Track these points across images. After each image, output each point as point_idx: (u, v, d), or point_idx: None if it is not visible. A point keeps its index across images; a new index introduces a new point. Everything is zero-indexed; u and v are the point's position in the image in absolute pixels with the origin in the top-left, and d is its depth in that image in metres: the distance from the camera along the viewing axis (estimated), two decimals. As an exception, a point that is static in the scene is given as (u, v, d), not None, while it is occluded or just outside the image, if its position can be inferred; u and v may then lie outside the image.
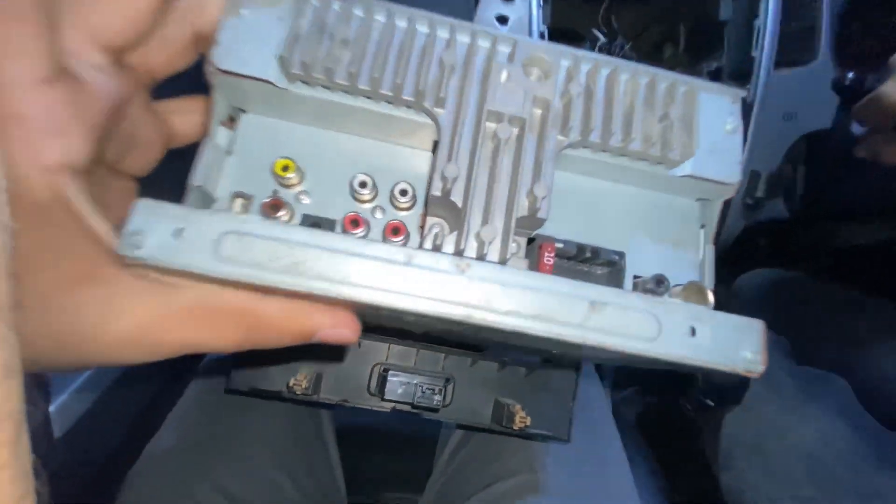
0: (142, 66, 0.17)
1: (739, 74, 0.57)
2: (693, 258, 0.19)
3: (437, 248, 0.15)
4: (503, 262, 0.15)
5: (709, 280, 0.18)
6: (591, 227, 0.18)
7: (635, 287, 0.18)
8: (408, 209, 0.17)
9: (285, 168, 0.16)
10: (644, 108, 0.17)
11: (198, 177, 0.16)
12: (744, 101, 0.55)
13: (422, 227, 0.17)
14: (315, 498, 0.40)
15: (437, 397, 0.34)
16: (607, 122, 0.17)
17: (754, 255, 0.75)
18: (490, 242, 0.15)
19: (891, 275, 0.61)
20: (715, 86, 0.19)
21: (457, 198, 0.15)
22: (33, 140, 0.12)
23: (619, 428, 0.45)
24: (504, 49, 0.17)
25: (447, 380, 0.35)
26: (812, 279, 0.66)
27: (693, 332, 0.15)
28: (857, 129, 0.57)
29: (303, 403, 0.35)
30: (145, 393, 0.62)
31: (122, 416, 0.58)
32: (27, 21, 0.12)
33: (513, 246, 0.16)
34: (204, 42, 0.17)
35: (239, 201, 0.16)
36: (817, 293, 0.64)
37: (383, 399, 0.34)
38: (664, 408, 0.69)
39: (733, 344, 0.15)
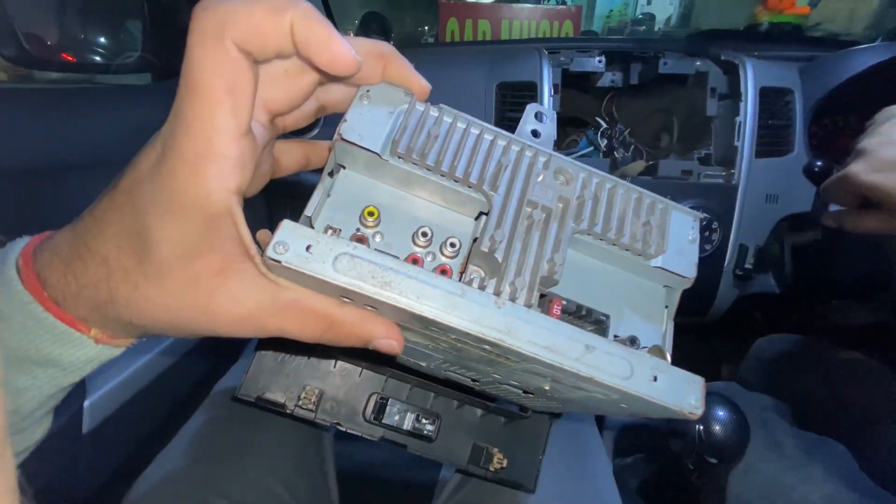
0: (279, 123, 0.23)
1: (725, 161, 0.65)
2: (658, 329, 0.25)
3: (481, 288, 0.20)
4: (528, 306, 0.20)
5: (668, 346, 0.24)
6: (587, 293, 0.24)
7: (616, 339, 0.24)
8: (452, 258, 0.23)
9: (371, 213, 0.22)
10: (633, 214, 0.24)
11: (309, 209, 0.21)
12: (728, 182, 0.62)
13: (461, 272, 0.22)
14: None
15: (430, 427, 0.38)
16: (607, 220, 0.23)
17: (751, 327, 0.79)
18: (519, 290, 0.21)
19: (881, 348, 0.64)
20: (683, 207, 0.25)
21: (499, 255, 0.21)
22: (227, 170, 0.18)
23: (623, 495, 0.46)
24: (542, 159, 0.23)
25: (437, 416, 0.38)
26: (820, 346, 0.68)
27: (655, 378, 0.20)
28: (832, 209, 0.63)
29: (301, 421, 0.38)
30: (174, 399, 0.65)
31: (148, 421, 0.60)
32: (244, 93, 0.18)
33: (534, 297, 0.21)
34: (321, 112, 0.24)
35: (330, 231, 0.22)
36: (827, 360, 0.66)
37: (379, 424, 0.38)
38: (667, 471, 0.69)
39: (683, 391, 0.20)
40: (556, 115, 0.29)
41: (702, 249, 0.64)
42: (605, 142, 0.73)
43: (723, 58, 0.67)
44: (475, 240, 0.22)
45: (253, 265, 0.19)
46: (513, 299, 0.20)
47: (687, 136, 0.76)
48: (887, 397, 0.56)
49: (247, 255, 0.19)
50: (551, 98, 0.66)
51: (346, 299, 0.20)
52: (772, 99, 0.64)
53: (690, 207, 0.64)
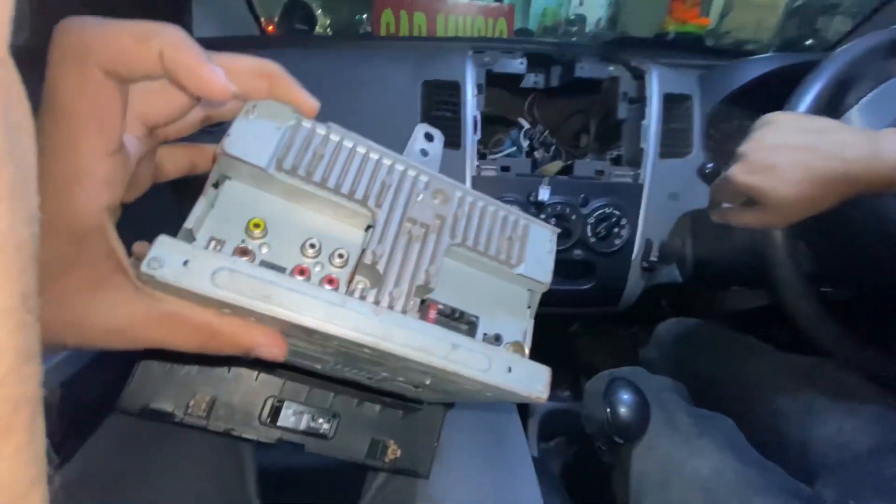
0: (161, 133, 0.23)
1: (633, 161, 0.70)
2: (522, 326, 0.28)
3: (362, 298, 0.22)
4: (404, 312, 0.22)
5: (528, 341, 0.28)
6: (462, 298, 0.27)
7: (484, 339, 0.27)
8: (341, 268, 0.24)
9: (257, 225, 0.22)
10: (499, 229, 0.27)
11: (190, 221, 0.21)
12: (635, 182, 0.66)
13: (349, 281, 0.23)
14: None
15: (326, 426, 0.39)
16: (478, 234, 0.26)
17: (658, 314, 0.86)
18: (397, 299, 0.23)
19: (770, 329, 0.72)
20: (541, 222, 0.29)
21: (380, 267, 0.22)
22: (95, 190, 0.18)
23: (545, 479, 0.49)
24: (423, 179, 0.25)
25: (334, 415, 0.40)
26: (714, 328, 0.76)
27: (510, 370, 0.23)
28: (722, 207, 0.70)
29: (192, 428, 0.37)
30: (73, 415, 0.59)
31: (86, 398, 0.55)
32: (110, 113, 0.18)
33: (411, 303, 0.23)
34: (207, 121, 0.25)
35: (213, 243, 0.22)
36: (717, 340, 0.73)
37: (275, 426, 0.38)
38: (583, 453, 0.74)
39: (531, 380, 0.24)
40: (443, 136, 0.32)
41: (611, 244, 0.68)
42: (528, 142, 0.75)
43: (632, 64, 0.71)
44: (364, 251, 0.23)
45: (127, 279, 0.19)
46: (391, 307, 0.22)
47: (602, 137, 0.80)
48: (764, 371, 0.63)
49: (120, 269, 0.19)
50: (475, 98, 0.67)
51: (226, 310, 0.20)
52: (674, 104, 0.70)
53: (602, 206, 0.68)
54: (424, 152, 0.30)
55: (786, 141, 0.40)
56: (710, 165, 0.64)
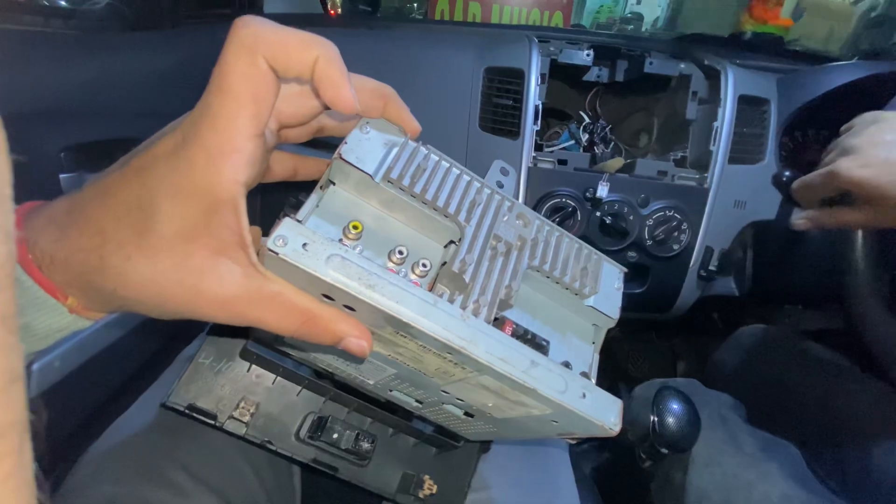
0: (284, 134, 0.26)
1: (699, 164, 0.67)
2: (587, 360, 0.28)
3: (450, 303, 0.23)
4: (488, 321, 0.23)
5: (594, 374, 0.28)
6: (533, 321, 0.28)
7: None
8: (422, 277, 0.25)
9: (355, 227, 0.24)
10: (574, 259, 0.28)
11: (300, 214, 0.23)
12: (700, 186, 0.64)
13: (429, 289, 0.24)
14: (274, 499, 0.41)
15: (367, 446, 0.39)
16: (554, 260, 0.27)
17: (707, 327, 0.82)
18: (482, 307, 0.23)
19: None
20: (612, 261, 0.30)
21: (467, 276, 0.23)
22: (240, 165, 0.20)
23: (577, 481, 0.48)
24: (507, 203, 0.27)
25: (373, 440, 0.40)
26: (804, 343, 0.70)
27: (584, 395, 0.24)
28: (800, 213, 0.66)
29: (231, 435, 0.37)
30: (124, 373, 0.62)
31: (99, 390, 0.58)
32: (266, 101, 0.20)
33: (492, 315, 0.24)
34: (321, 133, 0.28)
35: (318, 235, 0.24)
36: (805, 355, 0.68)
37: (313, 443, 0.38)
38: (619, 459, 0.72)
39: (605, 409, 0.24)
40: (517, 174, 0.31)
41: (669, 249, 0.65)
42: (587, 136, 0.73)
43: (706, 63, 0.68)
44: (443, 263, 0.25)
45: (245, 254, 0.20)
46: (476, 315, 0.23)
47: (665, 137, 0.77)
48: (862, 401, 0.59)
49: (241, 244, 0.20)
50: (538, 87, 0.66)
51: (326, 298, 0.22)
52: (749, 107, 0.66)
53: (663, 208, 0.66)
54: (500, 184, 0.32)
55: None
56: (787, 174, 0.60)
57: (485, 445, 0.44)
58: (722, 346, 0.76)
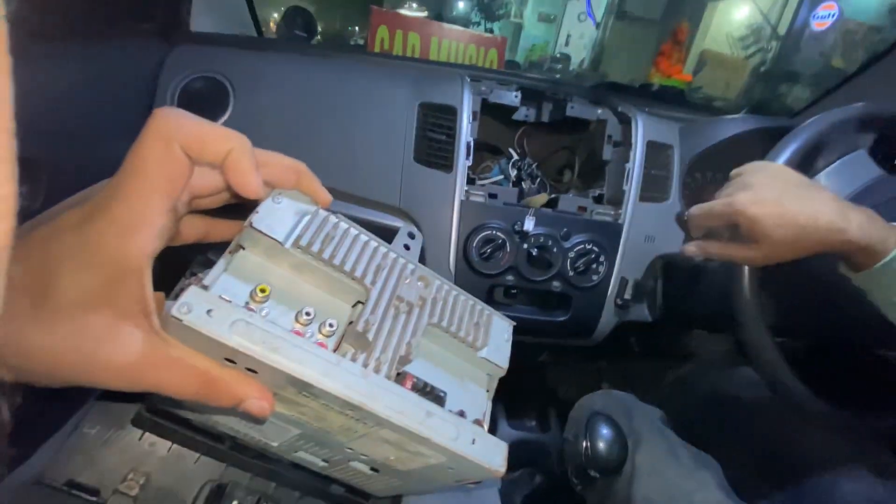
0: (196, 203, 0.27)
1: (615, 201, 0.73)
2: (481, 407, 0.31)
3: (353, 361, 0.24)
4: (389, 377, 0.25)
5: (486, 420, 0.30)
6: (432, 374, 0.30)
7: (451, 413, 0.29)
8: (329, 336, 0.26)
9: (262, 290, 0.25)
10: (469, 315, 0.31)
11: (207, 279, 0.24)
12: (615, 221, 0.69)
13: (335, 349, 0.26)
14: None
15: None
16: (451, 316, 0.30)
17: (626, 350, 0.88)
18: (383, 364, 0.25)
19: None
20: (502, 315, 0.33)
21: (370, 335, 0.25)
22: (149, 238, 0.21)
23: None
24: (411, 266, 0.29)
25: (277, 502, 0.39)
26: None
27: (474, 441, 0.26)
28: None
29: None
30: None
31: None
32: (178, 182, 0.22)
33: (393, 371, 0.26)
34: (233, 200, 0.28)
35: (222, 301, 0.24)
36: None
37: None
38: (551, 484, 0.74)
39: (493, 453, 0.27)
40: (422, 239, 0.34)
41: (589, 279, 0.70)
42: (515, 172, 0.77)
43: (619, 109, 0.75)
44: (350, 323, 0.26)
45: (148, 321, 0.21)
46: (377, 371, 0.25)
47: (586, 175, 0.83)
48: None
49: (144, 312, 0.21)
50: (469, 124, 0.69)
51: (229, 361, 0.22)
52: (655, 151, 0.73)
53: (582, 241, 0.71)
54: (407, 247, 0.34)
55: (789, 187, 0.44)
56: (686, 212, 0.67)
57: (396, 500, 0.44)
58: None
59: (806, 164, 0.54)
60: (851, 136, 0.54)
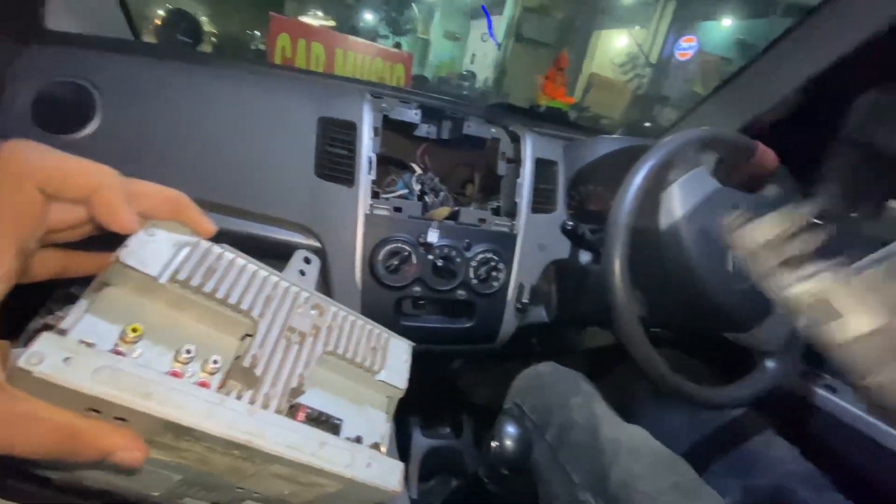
0: (52, 238, 0.24)
1: (509, 213, 0.79)
2: (380, 429, 0.31)
3: (237, 399, 0.23)
4: (279, 412, 0.24)
5: (385, 442, 0.31)
6: (328, 403, 0.29)
7: (347, 440, 0.30)
8: (213, 374, 0.25)
9: (134, 330, 0.23)
10: (366, 340, 0.31)
11: (66, 323, 0.21)
12: (511, 231, 0.75)
13: (220, 386, 0.24)
14: None
15: None
16: (347, 343, 0.29)
17: (530, 351, 0.95)
18: (272, 399, 0.24)
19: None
20: (399, 337, 0.33)
21: (258, 370, 0.24)
22: None
23: None
24: (305, 294, 0.29)
25: None
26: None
27: (369, 465, 0.26)
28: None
29: None
30: None
31: None
32: (26, 225, 0.20)
33: (284, 405, 0.25)
34: (96, 231, 0.25)
35: (84, 346, 0.21)
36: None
37: None
38: (465, 486, 0.76)
39: (389, 474, 0.27)
40: (319, 263, 0.35)
41: (490, 286, 0.75)
42: (419, 186, 0.80)
43: (510, 128, 0.81)
44: (237, 357, 0.25)
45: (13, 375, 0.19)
46: (265, 407, 0.24)
47: (485, 189, 0.89)
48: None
49: None
50: (371, 140, 0.70)
51: (93, 411, 0.20)
52: (543, 167, 0.80)
53: (483, 251, 0.75)
54: (302, 272, 0.34)
55: None
56: (569, 224, 0.75)
57: None
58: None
59: (660, 178, 0.63)
60: (695, 155, 0.65)
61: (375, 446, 0.29)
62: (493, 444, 0.61)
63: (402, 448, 0.81)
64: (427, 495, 0.78)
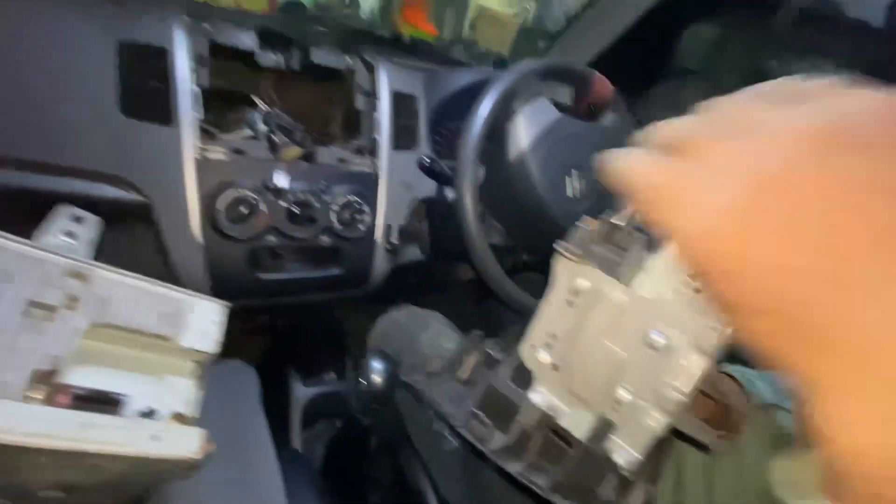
0: None
1: (372, 151, 0.75)
2: (185, 396, 0.29)
3: None
4: (30, 400, 0.22)
5: (194, 408, 0.29)
6: (104, 379, 0.26)
7: (139, 415, 0.27)
8: None
9: None
10: (155, 306, 0.28)
11: None
12: (373, 171, 0.71)
13: None
14: None
15: None
16: (127, 311, 0.26)
17: (407, 290, 0.96)
18: (14, 387, 0.22)
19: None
20: (212, 299, 0.30)
21: None
22: None
23: (299, 470, 0.49)
24: (60, 261, 0.25)
25: None
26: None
27: (157, 437, 0.24)
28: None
29: None
30: None
31: None
32: None
33: (34, 392, 0.22)
34: None
35: None
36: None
37: None
38: (345, 427, 0.78)
39: (186, 443, 0.26)
40: (97, 221, 0.32)
41: (356, 230, 0.72)
42: (265, 127, 0.72)
43: (365, 57, 0.75)
44: None
45: None
46: (8, 398, 0.21)
47: (348, 127, 0.83)
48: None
49: None
50: (193, 71, 0.60)
51: None
52: (402, 101, 0.77)
53: (345, 192, 0.71)
54: (72, 234, 0.31)
55: None
56: (427, 160, 0.73)
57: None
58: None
59: (507, 109, 0.64)
60: (535, 85, 0.66)
61: (178, 416, 0.28)
62: (360, 381, 0.62)
63: (279, 403, 0.79)
64: (312, 441, 0.79)
